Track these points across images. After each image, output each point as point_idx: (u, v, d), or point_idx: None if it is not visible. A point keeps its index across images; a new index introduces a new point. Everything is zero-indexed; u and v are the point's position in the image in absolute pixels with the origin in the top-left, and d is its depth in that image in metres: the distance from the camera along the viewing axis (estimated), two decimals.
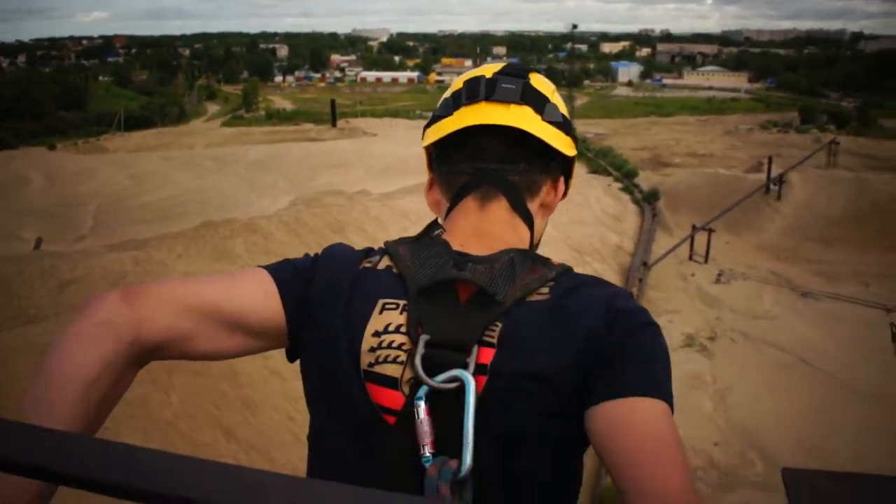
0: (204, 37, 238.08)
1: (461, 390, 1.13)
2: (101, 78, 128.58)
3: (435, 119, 1.42)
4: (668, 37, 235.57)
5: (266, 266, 1.35)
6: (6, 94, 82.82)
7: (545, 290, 1.24)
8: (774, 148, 50.12)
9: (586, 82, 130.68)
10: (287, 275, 1.33)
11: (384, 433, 1.18)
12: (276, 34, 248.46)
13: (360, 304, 1.26)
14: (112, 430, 11.03)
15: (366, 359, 1.21)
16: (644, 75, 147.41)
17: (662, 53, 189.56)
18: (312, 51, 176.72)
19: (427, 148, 1.47)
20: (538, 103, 1.37)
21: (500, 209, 1.36)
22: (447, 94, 1.44)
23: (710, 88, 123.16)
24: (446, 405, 1.14)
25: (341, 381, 1.22)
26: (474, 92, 1.36)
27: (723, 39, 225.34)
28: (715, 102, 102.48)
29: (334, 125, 73.23)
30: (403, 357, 1.20)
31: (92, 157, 48.75)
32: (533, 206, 1.40)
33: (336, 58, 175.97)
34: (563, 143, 1.39)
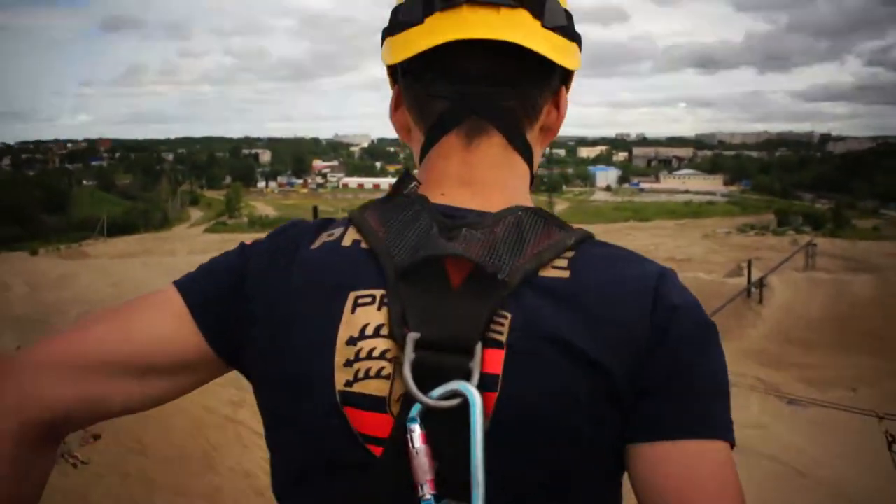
0: (187, 141, 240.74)
1: (465, 407, 0.87)
2: (84, 182, 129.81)
3: (397, 25, 1.05)
4: (643, 140, 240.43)
5: (178, 280, 1.07)
6: None
7: (563, 262, 0.95)
8: (753, 251, 50.80)
9: (565, 187, 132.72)
10: (202, 287, 1.05)
11: (370, 469, 0.91)
12: (258, 139, 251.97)
13: (323, 299, 0.96)
14: None
15: (342, 376, 0.92)
16: (622, 179, 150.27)
17: (639, 157, 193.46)
18: (295, 156, 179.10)
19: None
20: (536, 3, 1.02)
21: (492, 146, 1.05)
22: None
23: (687, 192, 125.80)
24: (448, 428, 0.88)
25: (310, 409, 0.94)
26: None
27: (697, 142, 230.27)
28: (692, 206, 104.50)
29: None
30: (391, 369, 0.92)
31: (74, 263, 48.53)
32: (532, 135, 1.09)
33: (318, 163, 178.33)
34: (569, 55, 1.06)
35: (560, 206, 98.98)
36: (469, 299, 0.92)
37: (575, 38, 1.08)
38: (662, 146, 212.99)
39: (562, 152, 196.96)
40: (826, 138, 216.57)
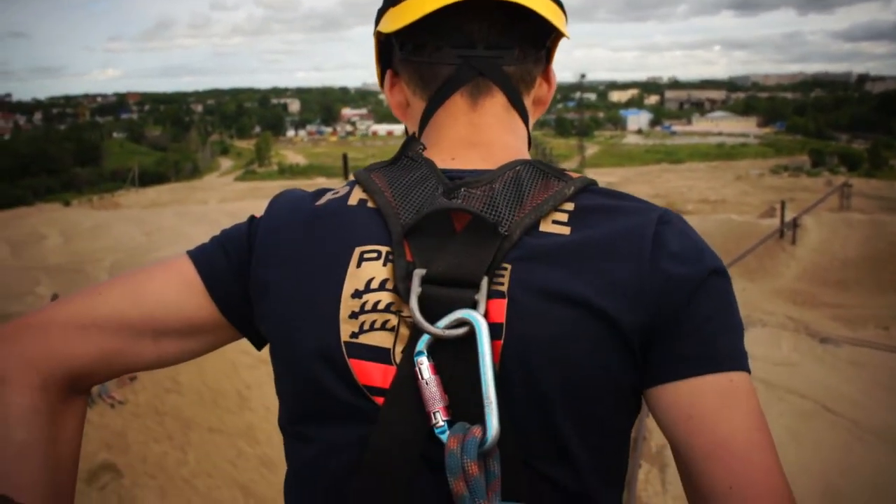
0: (216, 93, 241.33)
1: (471, 337, 0.89)
2: (115, 134, 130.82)
3: None
4: (675, 84, 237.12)
5: (191, 250, 1.12)
6: (23, 151, 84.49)
7: (563, 215, 0.97)
8: (786, 192, 50.14)
9: (596, 132, 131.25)
10: (213, 256, 1.10)
11: (372, 419, 0.93)
12: (287, 89, 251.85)
13: (329, 255, 1.00)
14: (129, 490, 10.95)
15: (347, 328, 0.95)
16: (653, 122, 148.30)
17: (671, 100, 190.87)
18: (323, 105, 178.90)
19: (380, 34, 1.15)
20: None
21: (495, 106, 1.09)
22: None
23: (720, 134, 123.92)
24: (455, 358, 0.91)
25: (315, 359, 0.96)
26: None
27: (730, 85, 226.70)
28: (725, 148, 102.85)
29: (346, 179, 73.72)
30: (395, 322, 0.95)
31: (107, 213, 49.14)
32: (527, 103, 1.14)
33: (347, 111, 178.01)
34: (563, 22, 1.11)
35: (591, 150, 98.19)
36: (473, 242, 0.94)
37: (564, 10, 1.13)
38: (695, 89, 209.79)
39: (592, 96, 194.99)
40: (864, 78, 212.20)
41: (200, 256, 1.10)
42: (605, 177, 67.76)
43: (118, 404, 13.96)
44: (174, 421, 13.47)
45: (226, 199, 59.19)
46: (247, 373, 15.18)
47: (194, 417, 13.60)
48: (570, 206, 0.99)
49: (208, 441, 12.56)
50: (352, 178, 1.11)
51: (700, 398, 0.89)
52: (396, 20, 1.06)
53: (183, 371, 14.64)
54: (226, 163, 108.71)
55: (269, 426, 12.48)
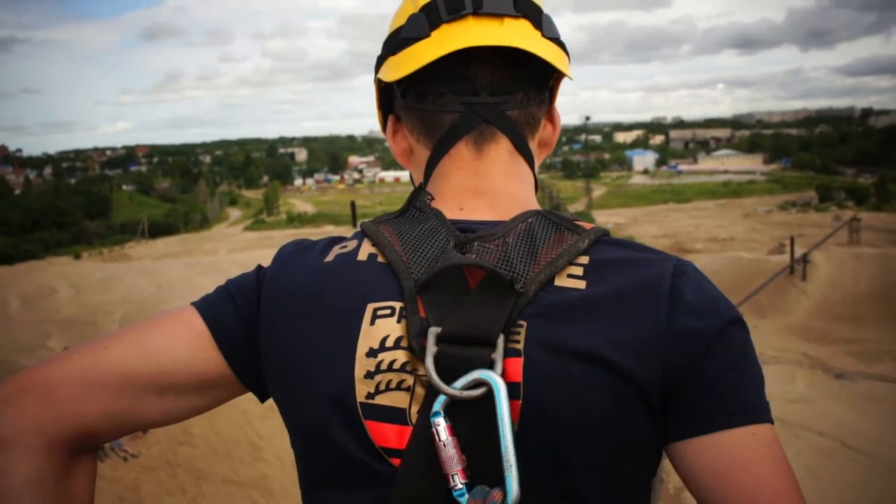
0: (223, 143, 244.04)
1: (489, 397, 0.88)
2: (124, 187, 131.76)
3: (402, 42, 1.07)
4: (680, 123, 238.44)
5: (197, 301, 1.10)
6: (34, 206, 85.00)
7: (578, 269, 0.96)
8: (795, 228, 50.01)
9: (603, 173, 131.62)
10: (221, 307, 1.07)
11: (389, 481, 0.92)
12: (293, 139, 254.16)
13: (341, 311, 0.98)
14: None
15: (363, 388, 0.93)
16: (659, 162, 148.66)
17: (676, 140, 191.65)
18: (330, 153, 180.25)
19: (380, 81, 1.14)
20: (535, 14, 1.07)
21: (500, 153, 1.08)
22: (408, 6, 1.09)
23: (726, 172, 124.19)
24: (472, 419, 0.90)
25: (329, 425, 0.95)
26: (457, 3, 1.02)
27: (734, 123, 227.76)
28: (732, 186, 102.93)
29: (355, 226, 73.89)
30: (411, 381, 0.93)
31: (117, 265, 49.34)
32: (532, 146, 1.13)
33: (354, 159, 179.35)
34: (566, 64, 1.10)
35: (598, 191, 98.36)
36: (488, 299, 0.93)
37: (566, 50, 1.13)
38: (700, 128, 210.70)
39: (598, 138, 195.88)
40: (868, 113, 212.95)
41: (207, 307, 1.07)
42: (613, 217, 67.82)
43: (130, 457, 13.90)
44: (187, 473, 13.38)
45: (235, 249, 59.38)
46: (259, 423, 15.10)
47: (207, 469, 13.52)
48: (584, 259, 0.97)
49: (222, 492, 12.46)
50: (359, 228, 1.10)
51: (723, 453, 0.88)
52: (397, 69, 1.06)
53: (195, 423, 14.58)
54: (234, 213, 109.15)
55: (283, 477, 12.40)
